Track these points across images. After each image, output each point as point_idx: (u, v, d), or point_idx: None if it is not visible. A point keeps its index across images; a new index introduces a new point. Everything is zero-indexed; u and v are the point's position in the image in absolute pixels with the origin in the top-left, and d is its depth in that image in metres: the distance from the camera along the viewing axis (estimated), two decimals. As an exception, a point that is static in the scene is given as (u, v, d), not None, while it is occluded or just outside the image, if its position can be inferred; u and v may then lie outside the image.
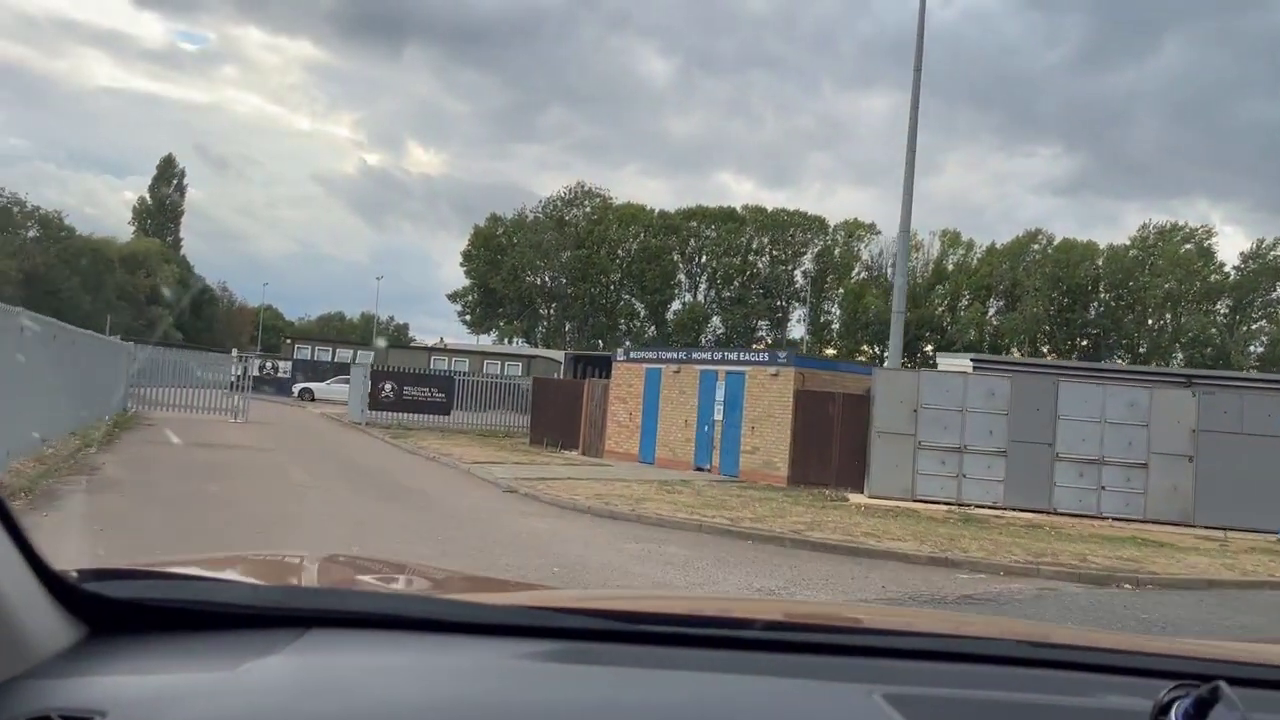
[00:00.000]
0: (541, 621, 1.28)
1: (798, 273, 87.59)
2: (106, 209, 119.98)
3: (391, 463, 20.48)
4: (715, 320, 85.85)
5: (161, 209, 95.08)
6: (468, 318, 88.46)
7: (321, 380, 51.28)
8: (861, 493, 18.50)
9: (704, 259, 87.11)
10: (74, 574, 1.19)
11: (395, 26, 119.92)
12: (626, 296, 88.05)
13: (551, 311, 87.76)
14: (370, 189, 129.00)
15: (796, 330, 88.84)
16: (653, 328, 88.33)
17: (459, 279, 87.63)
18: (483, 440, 27.68)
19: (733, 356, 21.67)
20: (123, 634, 1.15)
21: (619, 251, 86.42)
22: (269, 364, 55.28)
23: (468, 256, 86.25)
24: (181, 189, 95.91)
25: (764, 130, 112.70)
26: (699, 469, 21.61)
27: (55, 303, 70.79)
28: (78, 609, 1.15)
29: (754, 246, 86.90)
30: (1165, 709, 1.01)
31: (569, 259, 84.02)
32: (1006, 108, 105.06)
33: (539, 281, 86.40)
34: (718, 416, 21.23)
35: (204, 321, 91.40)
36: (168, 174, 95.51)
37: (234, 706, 0.98)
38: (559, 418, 25.97)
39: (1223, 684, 0.98)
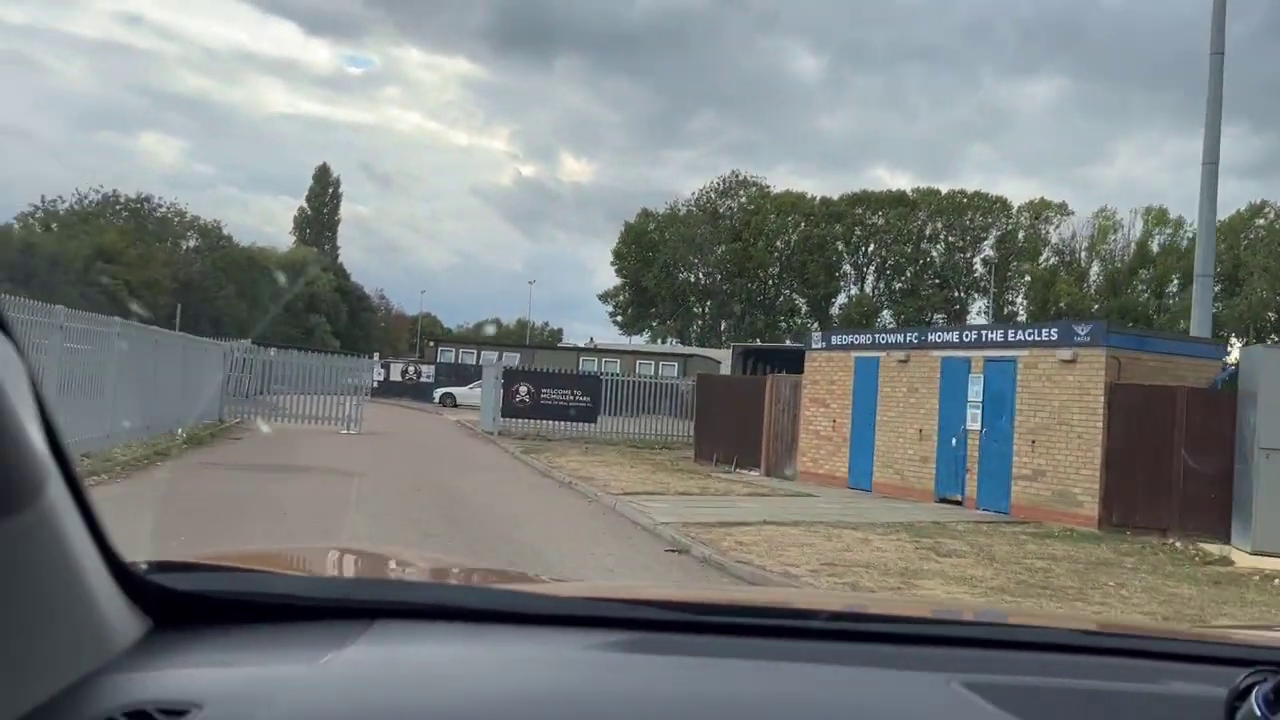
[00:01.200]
0: (606, 612, 1.26)
1: (977, 260, 78.75)
2: (282, 227, 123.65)
3: (512, 491, 14.59)
4: (885, 315, 77.89)
5: (319, 218, 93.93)
6: (619, 318, 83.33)
7: (464, 384, 46.65)
8: (1229, 542, 11.46)
9: (871, 248, 79.26)
10: (143, 565, 1.16)
11: (546, 38, 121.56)
12: (786, 292, 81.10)
13: (706, 310, 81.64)
14: (525, 199, 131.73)
15: (976, 322, 79.95)
16: (816, 324, 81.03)
17: (611, 281, 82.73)
18: (634, 455, 21.65)
19: (997, 335, 14.69)
20: (190, 627, 1.13)
21: (778, 243, 79.56)
22: (411, 368, 51.10)
23: (619, 255, 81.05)
24: (337, 197, 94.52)
25: (919, 124, 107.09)
26: (945, 500, 14.84)
27: (211, 310, 69.44)
28: (143, 601, 1.12)
29: (926, 233, 78.55)
30: (1243, 694, 0.96)
31: (724, 253, 77.71)
32: (1185, 87, 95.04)
33: (692, 278, 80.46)
34: (973, 425, 14.45)
35: (361, 329, 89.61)
36: (324, 182, 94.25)
37: (327, 698, 0.96)
38: (732, 426, 19.63)
39: None
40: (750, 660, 1.13)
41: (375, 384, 51.82)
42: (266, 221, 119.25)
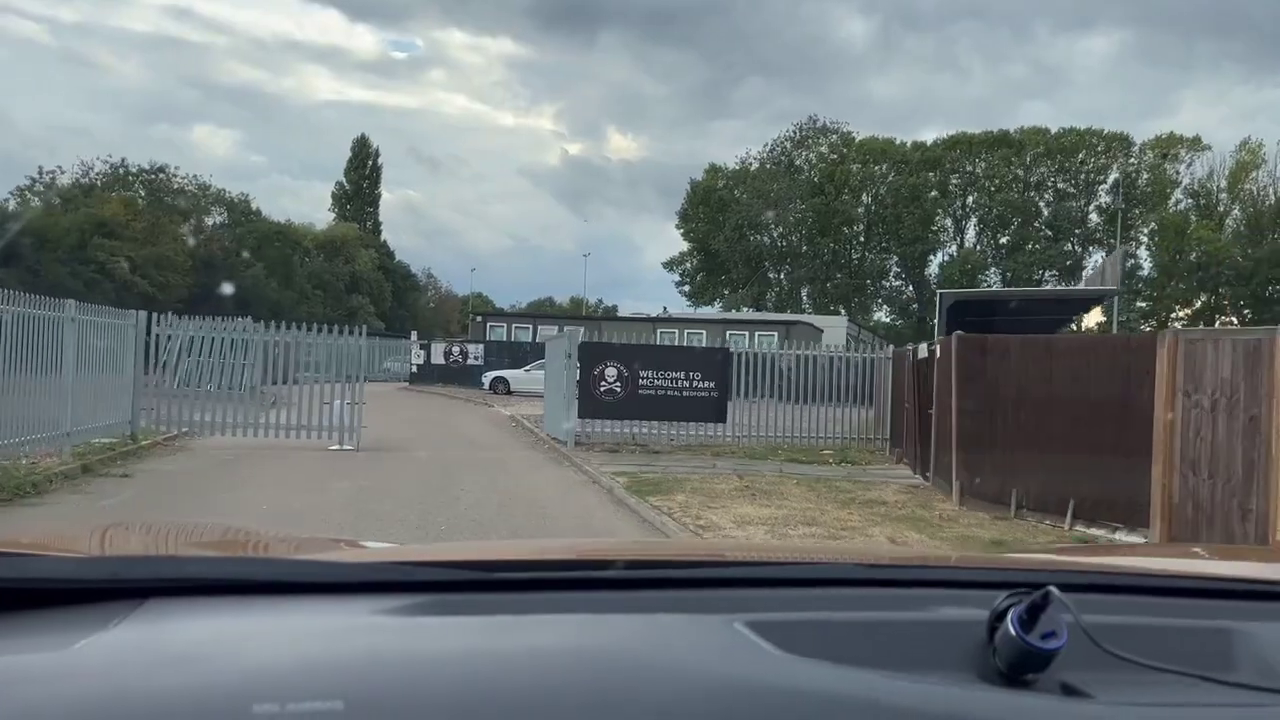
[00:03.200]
0: (396, 576, 1.20)
1: (1092, 209, 67.75)
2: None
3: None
4: (990, 273, 67.27)
5: (359, 193, 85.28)
6: (686, 287, 73.57)
7: (519, 366, 37.29)
8: None
9: (971, 198, 68.57)
10: None
11: (589, 13, 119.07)
12: (869, 254, 70.72)
13: (782, 274, 71.54)
14: (573, 178, 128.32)
15: (1094, 280, 69.02)
16: (910, 288, 70.57)
17: (668, 250, 73.22)
18: (827, 488, 12.02)
19: None
20: None
21: (864, 197, 69.19)
22: (455, 348, 41.87)
23: (684, 216, 71.18)
24: (377, 170, 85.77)
25: (973, 83, 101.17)
26: None
27: (239, 291, 61.01)
28: None
29: (1032, 180, 67.65)
30: (1001, 615, 1.02)
31: (804, 209, 67.51)
32: (1253, 33, 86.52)
33: (767, 240, 70.38)
34: None
35: (407, 309, 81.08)
36: (362, 155, 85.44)
37: (74, 687, 0.88)
38: (1044, 434, 9.77)
39: (1053, 588, 0.99)
40: (540, 615, 1.11)
41: (414, 368, 42.98)
42: (318, 208, 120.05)
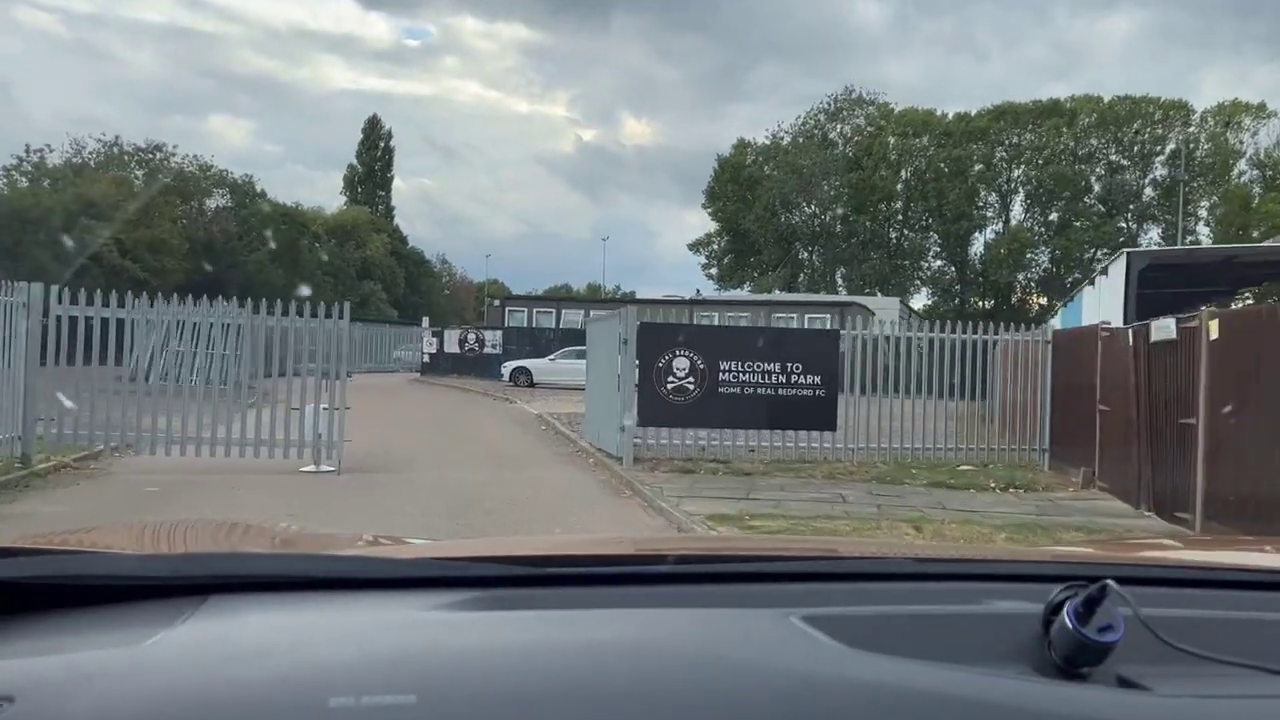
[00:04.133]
0: (450, 572, 1.20)
1: (1147, 182, 62.88)
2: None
3: None
4: (1039, 252, 62.60)
5: (370, 175, 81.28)
6: (714, 270, 69.12)
7: (543, 355, 33.11)
8: None
9: (1018, 171, 63.79)
10: None
11: None
12: (907, 232, 66.12)
13: (814, 255, 66.99)
14: (587, 164, 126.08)
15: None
16: (952, 268, 65.94)
17: (681, 246, 69.05)
18: (1034, 534, 7.73)
19: None
20: (8, 616, 1.04)
21: (902, 173, 64.52)
22: (471, 336, 37.68)
23: (712, 194, 66.65)
24: (389, 152, 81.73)
25: (991, 66, 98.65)
26: None
27: (240, 277, 57.04)
28: None
29: (1082, 152, 62.79)
30: (1056, 609, 1.01)
31: (840, 185, 62.93)
32: (1275, 14, 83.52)
33: (797, 219, 65.85)
34: None
35: (421, 296, 77.05)
36: (373, 136, 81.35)
37: (152, 681, 0.89)
38: None
39: (1110, 582, 0.98)
40: (596, 609, 1.11)
41: (426, 358, 38.88)
42: (334, 198, 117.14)
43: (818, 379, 11.90)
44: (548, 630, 1.05)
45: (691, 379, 11.69)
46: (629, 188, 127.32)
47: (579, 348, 33.71)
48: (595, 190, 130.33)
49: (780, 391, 11.83)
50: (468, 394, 28.59)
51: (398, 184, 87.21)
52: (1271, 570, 1.43)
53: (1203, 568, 1.42)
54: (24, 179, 49.61)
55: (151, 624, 0.99)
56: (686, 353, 11.72)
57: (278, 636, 1.01)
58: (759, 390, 11.81)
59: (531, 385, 31.14)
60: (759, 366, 11.80)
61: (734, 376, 11.77)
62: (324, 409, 11.51)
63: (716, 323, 36.93)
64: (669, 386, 11.70)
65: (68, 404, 11.18)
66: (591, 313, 39.99)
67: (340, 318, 12.01)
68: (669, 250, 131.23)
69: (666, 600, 1.15)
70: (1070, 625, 0.98)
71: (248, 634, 1.01)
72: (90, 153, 53.68)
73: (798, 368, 11.87)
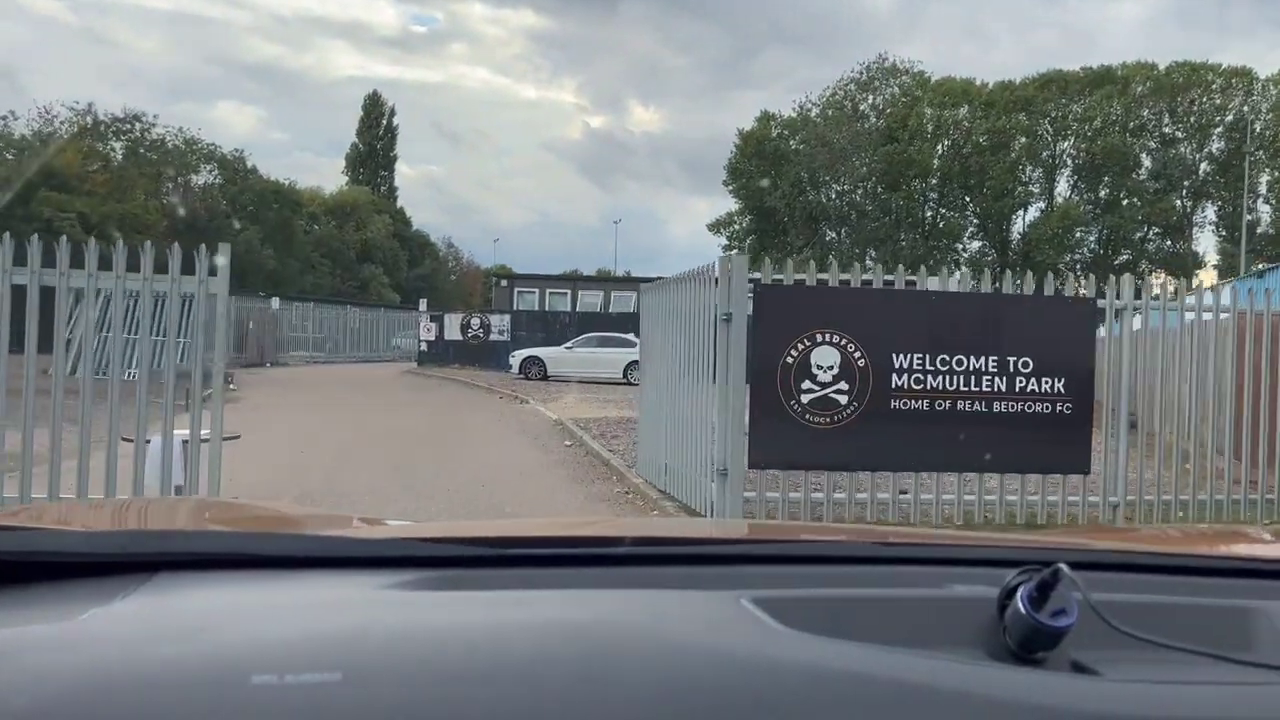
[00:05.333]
0: (405, 552, 1.17)
1: (1202, 157, 57.37)
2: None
3: None
4: (1088, 230, 57.22)
5: (372, 154, 76.19)
6: (734, 252, 63.81)
7: (558, 343, 28.01)
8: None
9: (1065, 144, 58.35)
10: None
11: None
12: (943, 210, 60.81)
13: (843, 235, 61.63)
14: (595, 151, 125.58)
15: (1205, 240, 58.97)
16: (993, 251, 60.51)
17: (691, 233, 63.77)
18: None
19: None
20: None
21: (938, 146, 59.13)
22: (474, 321, 32.51)
23: (734, 171, 61.25)
24: (392, 130, 76.65)
25: (1000, 51, 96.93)
26: None
27: (230, 259, 51.96)
28: None
29: (1132, 125, 57.27)
30: (1011, 593, 1.00)
31: (873, 160, 57.57)
32: None
33: (826, 197, 60.50)
34: None
35: (426, 281, 72.03)
36: (374, 113, 76.21)
37: (79, 657, 0.88)
38: None
39: (1063, 566, 0.97)
40: (546, 590, 1.09)
41: (423, 346, 33.82)
42: (339, 181, 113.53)
43: (1059, 385, 6.68)
44: (494, 610, 1.02)
45: (845, 385, 6.50)
46: (637, 175, 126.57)
47: (601, 334, 28.50)
48: (603, 177, 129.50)
49: (997, 406, 6.64)
50: (469, 390, 23.43)
51: (405, 171, 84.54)
52: (1227, 557, 1.42)
53: (1156, 554, 1.40)
54: (-13, 149, 44.50)
55: (89, 601, 0.97)
56: (837, 338, 6.51)
57: (212, 614, 0.98)
58: (959, 405, 6.63)
59: (545, 378, 26.06)
60: (961, 364, 6.60)
61: (917, 381, 6.57)
62: (202, 439, 6.37)
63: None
64: (805, 398, 6.51)
65: None
66: (615, 296, 34.73)
67: (212, 275, 6.84)
68: (678, 237, 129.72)
69: (616, 582, 1.12)
70: (1024, 610, 0.96)
71: (183, 611, 0.99)
72: (62, 122, 48.49)
73: (1025, 365, 6.66)
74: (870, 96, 60.27)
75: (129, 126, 50.32)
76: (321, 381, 24.70)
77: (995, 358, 6.67)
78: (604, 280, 37.25)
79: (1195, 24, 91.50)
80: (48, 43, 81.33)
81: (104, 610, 0.96)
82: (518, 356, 26.96)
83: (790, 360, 6.50)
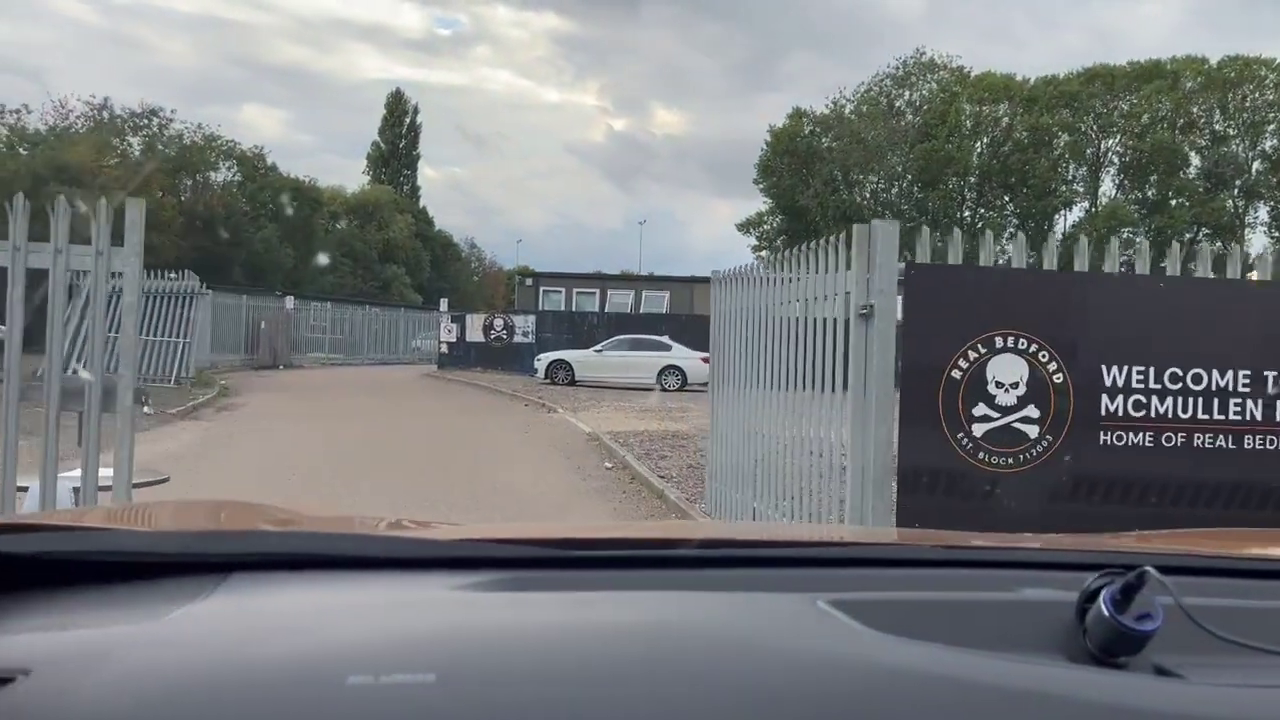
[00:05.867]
0: (471, 553, 1.16)
1: (1254, 155, 54.69)
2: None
3: None
4: (1136, 232, 54.61)
5: (395, 153, 74.74)
6: (764, 253, 61.61)
7: (587, 345, 26.02)
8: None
9: (1111, 141, 55.83)
10: None
11: None
12: (981, 210, 58.42)
13: (878, 237, 59.34)
14: (618, 154, 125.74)
15: (1257, 241, 56.17)
16: (1033, 255, 57.88)
17: (713, 235, 61.76)
18: None
19: None
20: (17, 592, 1.01)
21: (977, 144, 56.77)
22: (497, 321, 30.57)
23: (764, 169, 59.09)
24: (415, 128, 75.15)
25: (1028, 52, 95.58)
26: None
27: (245, 255, 50.39)
28: None
29: (1180, 123, 54.66)
30: (1091, 596, 0.97)
31: (911, 157, 55.34)
32: None
33: (859, 197, 58.26)
34: None
35: (448, 281, 70.38)
36: (398, 111, 74.77)
37: (170, 656, 0.87)
38: None
39: (1150, 568, 0.94)
40: (623, 591, 1.08)
41: (444, 348, 31.91)
42: (361, 180, 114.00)
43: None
44: (569, 611, 1.02)
45: (1033, 409, 4.41)
46: (659, 177, 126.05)
47: (633, 336, 26.40)
48: (626, 180, 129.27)
49: (1250, 441, 4.54)
50: (491, 396, 21.45)
51: (429, 173, 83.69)
52: None
53: (1240, 557, 1.35)
54: (0, 145, 43.04)
55: (170, 601, 0.97)
56: (1024, 342, 4.44)
57: (297, 615, 0.98)
58: (1195, 439, 4.53)
59: (572, 383, 24.06)
60: (1200, 380, 4.51)
61: (1137, 405, 4.49)
62: (102, 486, 4.38)
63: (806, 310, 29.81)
64: (978, 430, 4.42)
65: None
66: (644, 293, 32.69)
67: (117, 246, 4.85)
68: (701, 240, 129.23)
69: (690, 584, 1.11)
70: (1107, 613, 0.94)
71: (267, 612, 0.98)
72: (78, 116, 47.02)
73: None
74: (906, 92, 58.04)
75: (146, 122, 48.88)
76: (333, 386, 22.81)
77: (1248, 373, 4.58)
78: (634, 279, 35.15)
79: (1223, 25, 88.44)
80: (75, 45, 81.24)
81: (188, 610, 0.95)
82: (543, 360, 24.99)
83: (958, 374, 4.43)
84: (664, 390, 23.54)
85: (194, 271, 31.94)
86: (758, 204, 62.24)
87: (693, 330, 26.97)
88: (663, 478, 9.37)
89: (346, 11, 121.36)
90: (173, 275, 20.44)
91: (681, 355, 24.30)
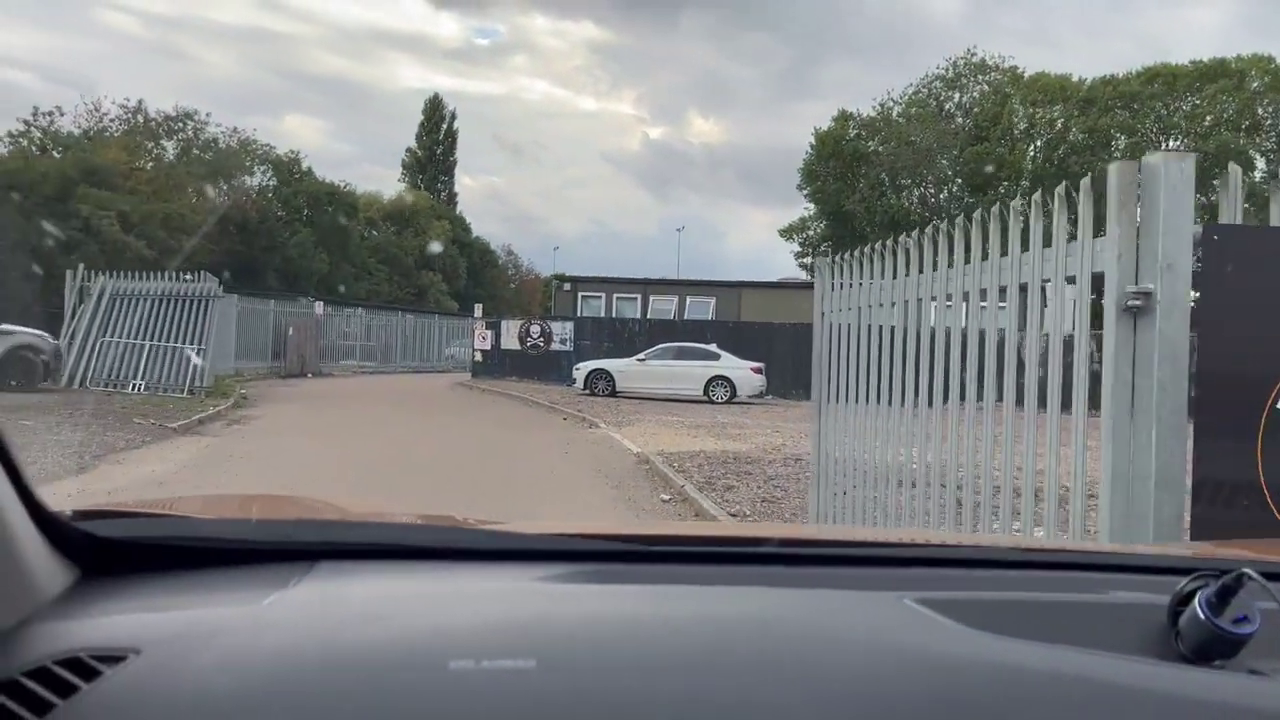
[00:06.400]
0: (557, 546, 1.19)
1: (1325, 157, 51.87)
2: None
3: None
4: (1198, 237, 52.05)
5: (432, 159, 73.82)
6: (807, 258, 59.66)
7: (628, 353, 24.36)
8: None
9: (1173, 143, 53.23)
10: (68, 514, 1.07)
11: None
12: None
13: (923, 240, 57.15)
14: (655, 163, 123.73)
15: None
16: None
17: (750, 244, 60.00)
18: None
19: None
20: (122, 575, 1.04)
21: (1030, 148, 54.50)
22: (534, 328, 28.97)
23: (808, 173, 57.17)
24: (452, 135, 74.20)
25: (1069, 58, 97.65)
26: None
27: (278, 260, 49.35)
28: (70, 550, 1.03)
29: (1245, 125, 52.03)
30: (1185, 599, 0.95)
31: (962, 160, 53.23)
32: None
33: (909, 201, 56.19)
34: None
35: (485, 288, 69.22)
36: (434, 117, 73.81)
37: (270, 637, 0.90)
38: None
39: (1249, 571, 0.92)
40: (705, 586, 1.08)
41: (478, 355, 30.38)
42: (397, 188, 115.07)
43: None
44: (661, 602, 1.02)
45: None
46: (696, 186, 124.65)
47: (679, 344, 24.60)
48: (662, 188, 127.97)
49: None
50: (527, 408, 19.81)
51: (467, 182, 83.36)
52: None
53: None
54: (34, 147, 42.32)
55: (265, 586, 0.99)
56: None
57: (392, 601, 0.99)
58: None
59: (613, 394, 22.39)
60: None
61: None
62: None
63: (862, 315, 27.85)
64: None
65: None
66: (689, 299, 30.96)
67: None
68: (738, 248, 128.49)
69: (777, 580, 1.11)
70: (1203, 615, 0.92)
71: (360, 597, 1.00)
72: (112, 119, 46.28)
73: None
74: (956, 94, 55.94)
75: (180, 125, 48.08)
76: (359, 396, 21.30)
77: None
78: (678, 284, 33.36)
79: (1269, 31, 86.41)
80: (120, 57, 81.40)
81: (282, 596, 0.96)
82: (582, 369, 23.33)
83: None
84: (712, 402, 21.79)
85: (228, 276, 30.82)
86: (795, 212, 60.62)
87: (741, 338, 25.21)
88: (734, 515, 7.63)
89: (387, 22, 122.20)
90: (189, 277, 19.01)
91: (731, 365, 22.53)
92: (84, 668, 0.82)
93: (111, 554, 1.05)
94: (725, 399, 22.14)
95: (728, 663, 0.88)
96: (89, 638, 0.86)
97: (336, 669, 0.83)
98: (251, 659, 0.84)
